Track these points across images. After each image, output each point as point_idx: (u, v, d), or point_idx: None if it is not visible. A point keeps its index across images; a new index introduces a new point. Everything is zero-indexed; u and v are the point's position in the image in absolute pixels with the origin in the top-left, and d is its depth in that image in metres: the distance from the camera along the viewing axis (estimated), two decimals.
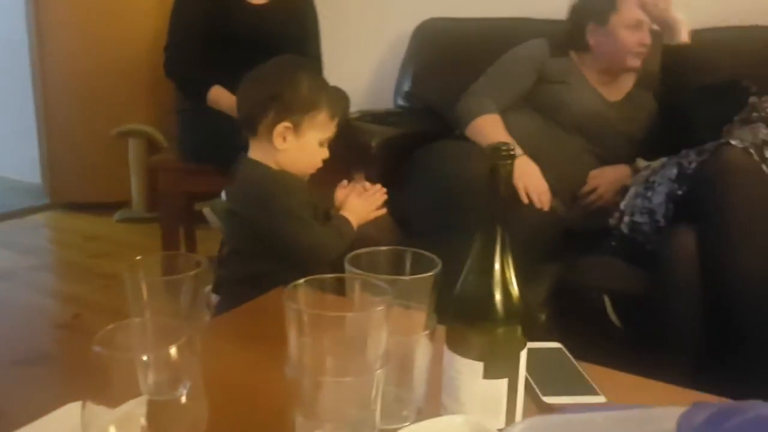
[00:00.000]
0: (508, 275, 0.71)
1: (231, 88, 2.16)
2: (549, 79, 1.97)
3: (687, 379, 1.42)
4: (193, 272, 0.82)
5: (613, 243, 1.72)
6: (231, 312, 1.07)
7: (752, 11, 2.06)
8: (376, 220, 1.45)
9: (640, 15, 1.92)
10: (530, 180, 1.80)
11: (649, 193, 1.63)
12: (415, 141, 2.13)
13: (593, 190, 1.93)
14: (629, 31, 1.93)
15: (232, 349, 0.94)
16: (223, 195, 1.97)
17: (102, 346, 0.57)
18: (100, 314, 2.25)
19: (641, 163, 1.99)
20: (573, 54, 2.03)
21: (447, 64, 2.43)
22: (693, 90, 1.97)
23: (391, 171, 2.07)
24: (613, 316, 1.57)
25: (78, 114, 3.23)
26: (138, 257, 0.87)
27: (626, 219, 1.69)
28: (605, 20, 1.95)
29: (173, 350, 0.57)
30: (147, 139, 3.19)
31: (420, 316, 0.72)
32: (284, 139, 1.29)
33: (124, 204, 3.28)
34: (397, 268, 0.73)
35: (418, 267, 0.72)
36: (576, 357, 1.03)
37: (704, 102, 1.89)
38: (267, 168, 1.32)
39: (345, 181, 1.42)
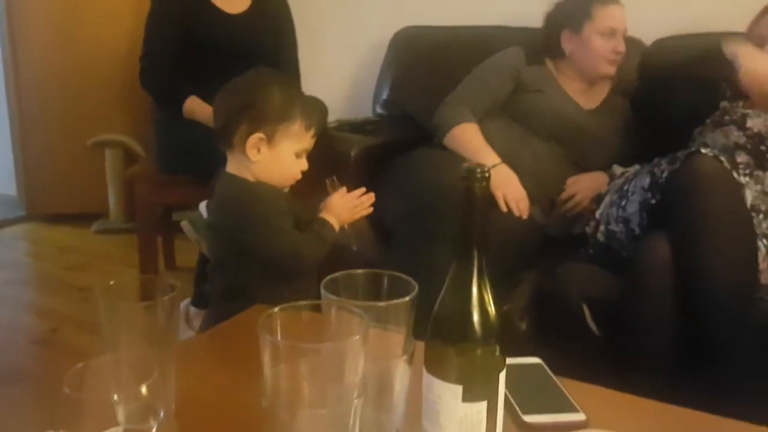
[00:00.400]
0: (485, 297, 0.71)
1: (207, 98, 2.14)
2: (525, 88, 1.98)
3: (662, 387, 1.45)
4: (167, 297, 0.81)
5: (590, 251, 1.73)
6: (208, 332, 1.06)
7: (723, 18, 2.07)
8: (354, 230, 1.45)
9: (614, 23, 1.94)
10: (508, 188, 1.81)
11: (623, 202, 1.64)
12: (393, 149, 2.14)
13: (571, 197, 1.94)
14: (603, 38, 1.95)
15: (209, 373, 0.93)
16: (201, 207, 1.96)
17: (72, 386, 0.55)
18: (78, 329, 2.22)
19: (618, 169, 2.00)
20: (549, 62, 2.05)
21: (425, 71, 2.43)
22: (671, 78, 1.99)
23: (370, 180, 2.07)
24: (591, 324, 1.57)
25: (53, 124, 3.19)
26: (111, 282, 0.86)
27: (602, 228, 1.70)
28: (579, 28, 1.97)
29: (144, 388, 0.56)
30: (124, 148, 3.16)
31: (398, 338, 0.71)
32: (258, 150, 1.28)
33: (102, 215, 3.24)
34: (373, 291, 0.73)
35: (395, 289, 0.72)
36: (556, 367, 1.04)
37: (680, 96, 1.90)
38: (243, 180, 1.31)
39: (342, 188, 1.41)
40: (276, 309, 0.63)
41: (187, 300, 2.26)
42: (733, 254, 1.43)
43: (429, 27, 2.52)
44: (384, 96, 2.51)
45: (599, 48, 1.96)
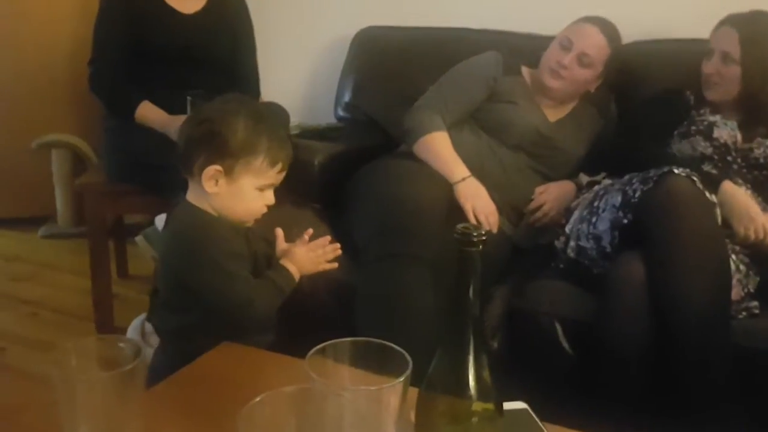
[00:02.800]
0: (483, 374, 0.66)
1: (161, 103, 2.05)
2: (498, 98, 1.94)
3: (635, 410, 1.44)
4: (130, 366, 0.74)
5: (561, 266, 1.71)
6: (166, 382, 0.99)
7: (697, 25, 2.07)
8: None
9: (573, 36, 1.90)
10: (478, 201, 1.77)
11: (594, 219, 1.62)
12: (358, 156, 2.08)
13: (539, 207, 1.91)
14: (558, 48, 1.92)
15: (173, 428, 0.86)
16: (157, 221, 1.87)
17: None
18: (28, 348, 2.11)
19: (584, 178, 1.99)
20: (525, 70, 2.01)
21: (388, 74, 2.37)
22: (638, 102, 1.98)
23: (334, 189, 2.01)
24: (564, 343, 1.56)
25: None
26: (69, 344, 0.79)
27: (572, 243, 1.68)
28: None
29: None
30: (71, 150, 3.01)
31: (390, 413, 0.66)
32: (216, 182, 1.20)
33: (49, 218, 3.10)
34: (363, 360, 0.67)
35: (387, 361, 0.67)
36: (530, 391, 1.01)
37: (649, 114, 1.90)
38: (199, 212, 1.22)
39: (306, 236, 1.32)
40: (258, 399, 0.57)
41: (143, 315, 2.17)
42: (708, 275, 1.43)
43: (392, 27, 2.45)
44: (346, 99, 2.44)
45: (549, 53, 1.93)
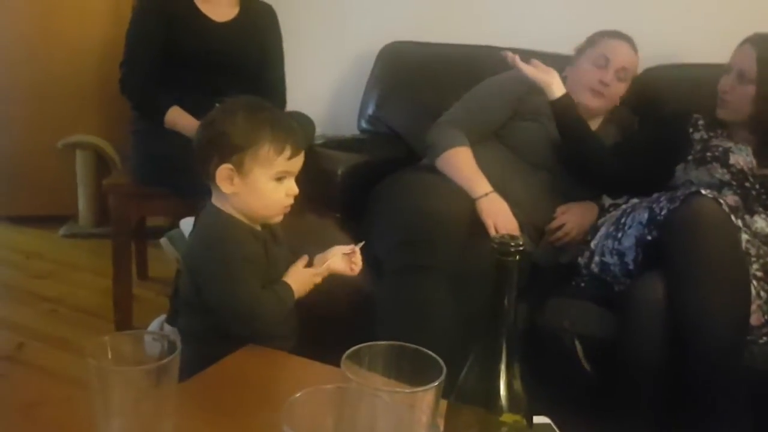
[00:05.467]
0: (515, 385, 0.67)
1: (190, 108, 2.07)
2: (524, 117, 1.95)
3: (654, 429, 1.44)
4: (166, 360, 0.75)
5: (582, 284, 1.71)
6: (192, 380, 1.00)
7: (712, 49, 2.08)
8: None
9: (610, 54, 1.92)
10: (500, 217, 1.78)
11: (620, 235, 1.62)
12: (381, 167, 2.10)
13: (561, 226, 1.92)
14: (593, 66, 1.93)
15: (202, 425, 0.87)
16: (182, 224, 1.89)
17: None
18: (47, 344, 2.13)
19: (606, 200, 1.99)
20: None
21: (411, 88, 2.40)
22: (642, 123, 1.99)
23: (356, 199, 2.03)
24: (584, 361, 1.55)
25: (21, 123, 3.07)
26: (105, 337, 0.80)
27: (596, 259, 1.68)
28: (581, 54, 1.96)
29: None
30: (95, 151, 3.05)
31: (422, 418, 0.67)
32: (231, 182, 1.21)
33: (70, 218, 3.13)
34: (396, 365, 0.68)
35: (420, 365, 0.67)
36: (549, 406, 1.01)
37: (655, 136, 1.90)
38: (220, 214, 1.23)
39: (305, 257, 1.31)
40: (299, 394, 0.58)
41: (162, 316, 2.19)
42: (729, 297, 1.43)
43: (417, 43, 2.48)
44: (370, 112, 2.46)
45: (586, 74, 1.94)
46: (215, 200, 1.26)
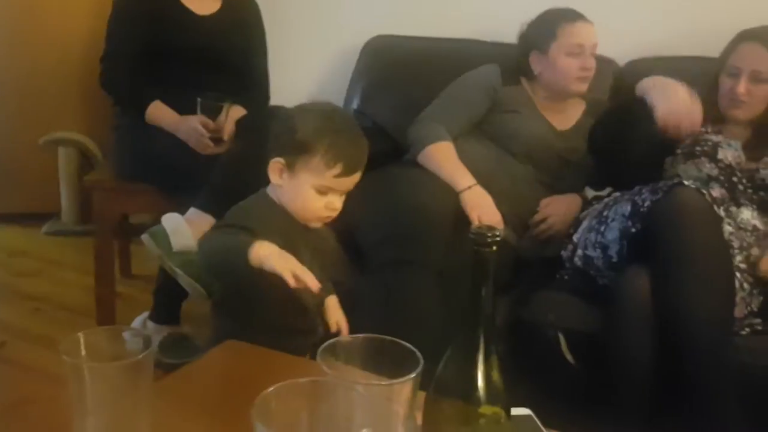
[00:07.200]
0: (493, 376, 0.66)
1: (172, 103, 2.05)
2: (501, 108, 1.95)
3: (638, 427, 1.44)
4: (140, 356, 0.74)
5: (566, 277, 1.72)
6: (171, 376, 0.99)
7: (697, 41, 2.08)
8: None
9: (580, 39, 1.91)
10: (484, 210, 1.78)
11: (603, 228, 1.62)
12: (366, 162, 2.08)
13: (544, 219, 1.92)
14: (570, 57, 1.93)
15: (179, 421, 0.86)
16: (164, 220, 1.88)
17: None
18: (29, 342, 2.11)
19: (589, 192, 2.00)
20: (524, 82, 2.02)
21: (397, 82, 2.38)
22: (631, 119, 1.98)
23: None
24: (568, 355, 1.56)
25: (2, 120, 3.03)
26: (79, 334, 0.79)
27: (579, 252, 1.68)
28: (546, 48, 1.96)
29: None
30: (78, 147, 3.02)
31: (399, 411, 0.66)
32: (280, 175, 1.24)
33: (53, 215, 3.10)
34: (374, 358, 0.67)
35: (398, 359, 0.67)
36: (532, 398, 1.01)
37: (643, 130, 1.90)
38: (265, 197, 1.28)
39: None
40: (272, 388, 0.57)
41: (145, 314, 2.17)
42: (713, 288, 1.43)
43: (402, 37, 2.47)
44: (354, 106, 2.45)
45: (566, 67, 1.94)
46: (269, 188, 1.29)
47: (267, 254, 1.11)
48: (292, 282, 1.08)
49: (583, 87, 1.96)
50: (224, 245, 1.18)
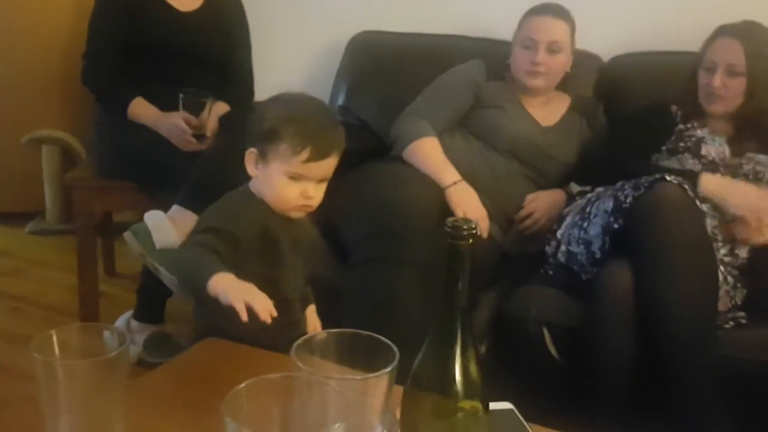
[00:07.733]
0: (470, 369, 0.66)
1: (155, 99, 2.03)
2: (485, 103, 1.95)
3: (621, 421, 1.44)
4: (113, 353, 0.73)
5: (550, 272, 1.72)
6: (148, 375, 0.98)
7: (681, 37, 2.09)
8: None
9: (534, 33, 1.91)
10: (469, 206, 1.78)
11: (585, 224, 1.63)
12: (349, 159, 2.05)
13: (529, 215, 1.91)
14: (524, 49, 1.92)
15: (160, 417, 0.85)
16: (146, 217, 1.86)
17: None
18: (10, 343, 2.08)
19: (574, 187, 2.00)
20: (508, 77, 2.02)
21: (382, 78, 2.37)
22: (624, 116, 1.99)
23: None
24: (551, 349, 1.56)
25: None
26: (51, 331, 0.78)
27: (562, 248, 1.68)
28: (514, 40, 1.95)
29: None
30: (61, 146, 2.99)
31: (376, 405, 0.65)
32: (255, 166, 1.24)
33: (37, 214, 3.07)
34: (350, 353, 0.67)
35: (374, 354, 0.66)
36: (516, 394, 1.00)
37: (634, 129, 1.90)
38: (246, 189, 1.27)
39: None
40: (242, 385, 0.56)
41: (129, 313, 2.15)
42: (695, 282, 1.44)
43: (387, 32, 2.46)
44: (339, 102, 2.43)
45: (519, 59, 1.93)
46: (251, 182, 1.28)
47: (223, 288, 1.07)
48: (243, 316, 1.02)
49: (535, 82, 1.92)
50: (189, 265, 1.17)
